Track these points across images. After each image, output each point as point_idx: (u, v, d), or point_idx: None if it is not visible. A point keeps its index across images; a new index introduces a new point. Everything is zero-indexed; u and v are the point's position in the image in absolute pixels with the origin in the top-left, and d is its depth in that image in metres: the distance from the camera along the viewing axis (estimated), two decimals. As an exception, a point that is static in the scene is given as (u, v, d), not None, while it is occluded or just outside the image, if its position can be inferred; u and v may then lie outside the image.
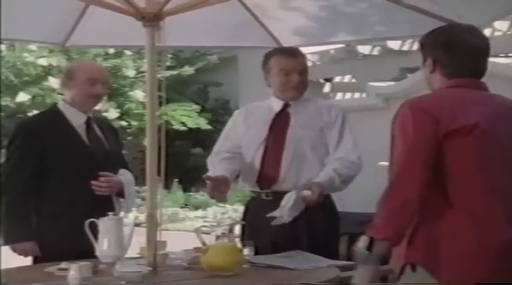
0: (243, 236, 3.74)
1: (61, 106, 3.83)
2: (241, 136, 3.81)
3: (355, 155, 3.68)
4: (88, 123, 3.79)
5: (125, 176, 3.83)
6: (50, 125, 3.75)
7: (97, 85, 3.77)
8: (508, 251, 2.48)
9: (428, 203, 2.46)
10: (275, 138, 3.73)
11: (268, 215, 3.53)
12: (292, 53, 3.78)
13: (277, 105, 3.80)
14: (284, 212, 3.50)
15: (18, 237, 3.63)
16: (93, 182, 3.66)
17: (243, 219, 3.83)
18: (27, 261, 3.69)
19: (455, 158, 2.47)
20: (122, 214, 3.78)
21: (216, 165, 3.74)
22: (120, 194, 3.79)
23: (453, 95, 2.59)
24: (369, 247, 2.45)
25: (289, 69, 3.72)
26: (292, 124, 3.73)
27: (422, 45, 2.71)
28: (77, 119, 3.77)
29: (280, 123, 3.75)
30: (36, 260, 3.65)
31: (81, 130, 3.76)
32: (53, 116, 3.81)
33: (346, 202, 4.05)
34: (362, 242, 2.46)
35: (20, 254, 3.66)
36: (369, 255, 2.45)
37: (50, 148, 3.68)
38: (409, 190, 2.44)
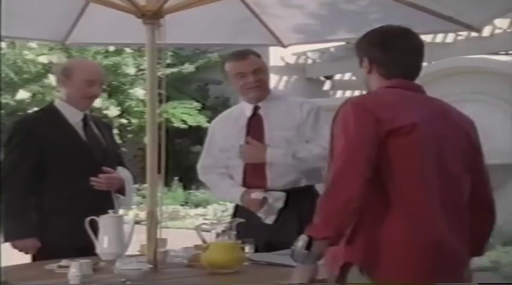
0: (237, 235, 3.74)
1: (57, 103, 3.83)
2: (221, 146, 3.82)
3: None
4: (85, 121, 3.80)
5: (123, 173, 3.84)
6: (48, 122, 3.76)
7: (95, 86, 3.78)
8: (442, 251, 2.44)
9: (368, 203, 2.40)
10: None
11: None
12: (242, 55, 3.76)
13: (247, 109, 3.79)
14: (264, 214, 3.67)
15: (19, 234, 3.63)
16: (92, 178, 3.67)
17: (233, 217, 3.83)
18: (27, 258, 3.70)
19: (395, 158, 2.43)
20: (120, 211, 3.78)
21: (218, 182, 3.83)
22: (120, 191, 3.80)
23: (394, 94, 2.55)
24: (308, 246, 2.39)
25: (243, 71, 3.71)
26: (267, 126, 3.72)
27: (358, 47, 2.68)
28: (73, 116, 3.77)
29: (255, 127, 3.74)
30: (35, 257, 3.65)
31: (78, 127, 3.77)
32: (50, 113, 3.82)
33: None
34: (301, 241, 2.40)
35: (21, 250, 3.66)
36: (308, 255, 2.39)
37: (49, 145, 3.68)
38: (350, 189, 2.37)
